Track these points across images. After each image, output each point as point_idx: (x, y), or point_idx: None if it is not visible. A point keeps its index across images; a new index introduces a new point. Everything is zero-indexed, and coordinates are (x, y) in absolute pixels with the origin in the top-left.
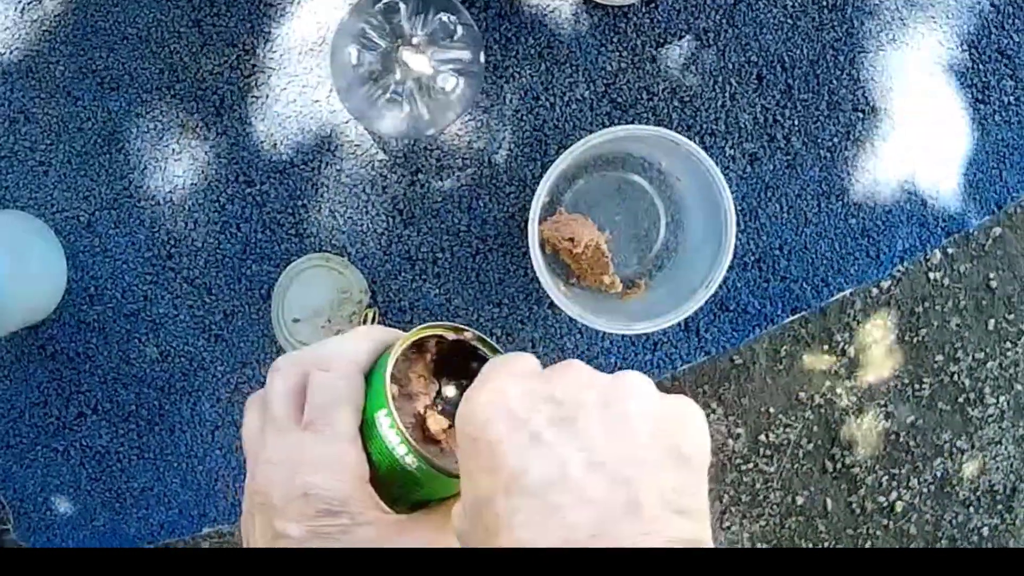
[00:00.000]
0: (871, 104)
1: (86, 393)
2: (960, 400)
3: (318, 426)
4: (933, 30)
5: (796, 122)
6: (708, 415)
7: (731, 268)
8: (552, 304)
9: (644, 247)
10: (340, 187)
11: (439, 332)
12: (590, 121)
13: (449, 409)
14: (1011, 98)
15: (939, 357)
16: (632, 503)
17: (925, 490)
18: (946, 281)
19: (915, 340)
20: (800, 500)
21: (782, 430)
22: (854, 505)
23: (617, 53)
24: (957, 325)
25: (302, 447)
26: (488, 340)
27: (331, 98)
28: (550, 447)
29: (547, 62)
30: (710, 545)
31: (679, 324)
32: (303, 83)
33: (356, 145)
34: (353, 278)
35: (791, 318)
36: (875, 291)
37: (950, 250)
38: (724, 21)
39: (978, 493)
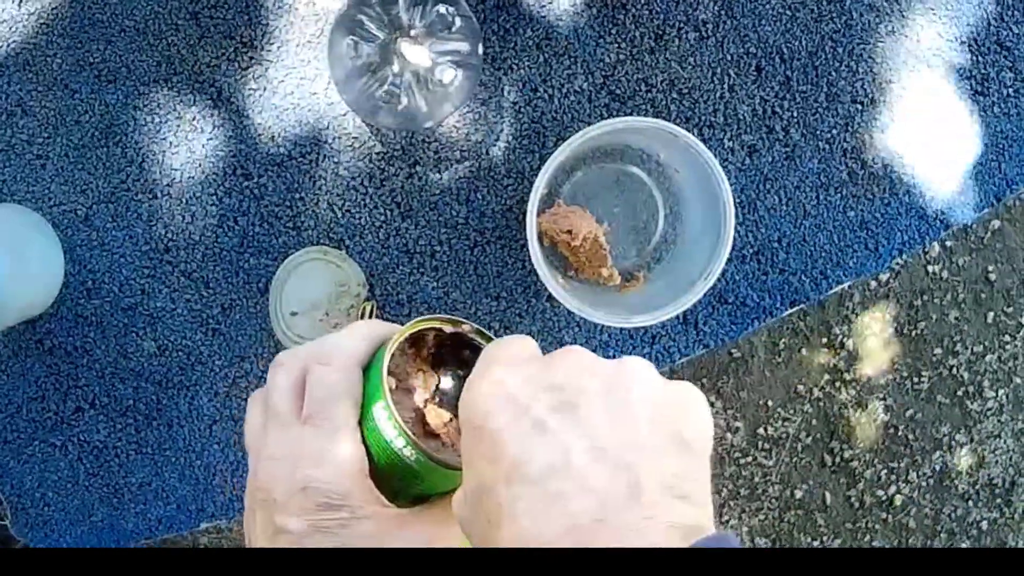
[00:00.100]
0: (870, 96)
1: (84, 388)
2: (959, 393)
3: (317, 420)
4: (932, 22)
5: (795, 114)
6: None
7: (730, 261)
8: (550, 297)
9: (643, 239)
10: (338, 180)
11: (437, 325)
12: (588, 113)
13: (448, 402)
14: (1010, 90)
15: (938, 350)
16: (634, 489)
17: (924, 484)
18: (945, 274)
19: (914, 333)
20: (799, 494)
21: (781, 423)
22: (853, 499)
23: (616, 45)
24: (956, 318)
25: (302, 442)
26: (486, 332)
27: (329, 90)
28: (552, 434)
29: (545, 54)
30: (712, 531)
31: (677, 317)
32: (301, 75)
33: (354, 138)
34: (351, 271)
35: (790, 311)
36: (874, 284)
37: (949, 243)
38: (723, 12)
39: (977, 487)
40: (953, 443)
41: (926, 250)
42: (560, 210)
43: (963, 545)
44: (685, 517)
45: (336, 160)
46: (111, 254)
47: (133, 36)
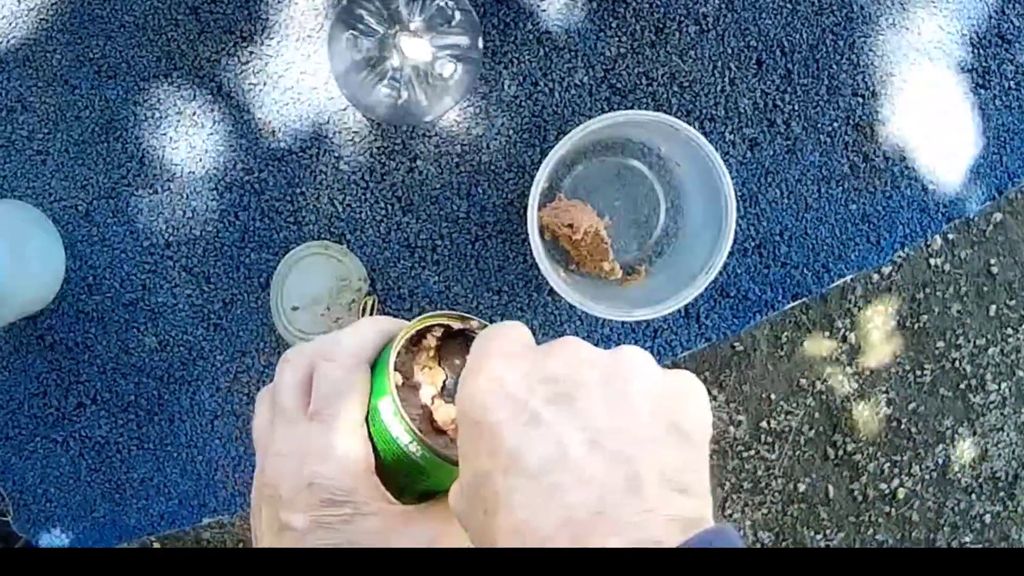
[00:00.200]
0: (871, 89)
1: (85, 383)
2: (962, 386)
3: (323, 416)
4: (933, 14)
5: (796, 107)
6: (709, 402)
7: (731, 254)
8: (552, 291)
9: (644, 233)
10: (338, 174)
11: (443, 321)
12: (589, 107)
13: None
14: (1011, 83)
15: (940, 343)
16: (632, 482)
17: (927, 477)
18: (947, 267)
19: (916, 326)
20: (802, 487)
21: (783, 417)
22: (856, 492)
23: (616, 38)
24: (958, 311)
25: (308, 438)
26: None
27: (329, 85)
28: (549, 427)
29: (546, 47)
30: (711, 523)
31: (679, 310)
32: (301, 70)
33: (354, 132)
34: (352, 266)
35: (792, 304)
36: (876, 277)
37: (951, 236)
38: (723, 6)
39: (980, 480)
40: (956, 436)
41: (928, 243)
42: (561, 204)
43: (966, 539)
44: (684, 509)
45: (337, 155)
46: (112, 249)
47: (133, 31)
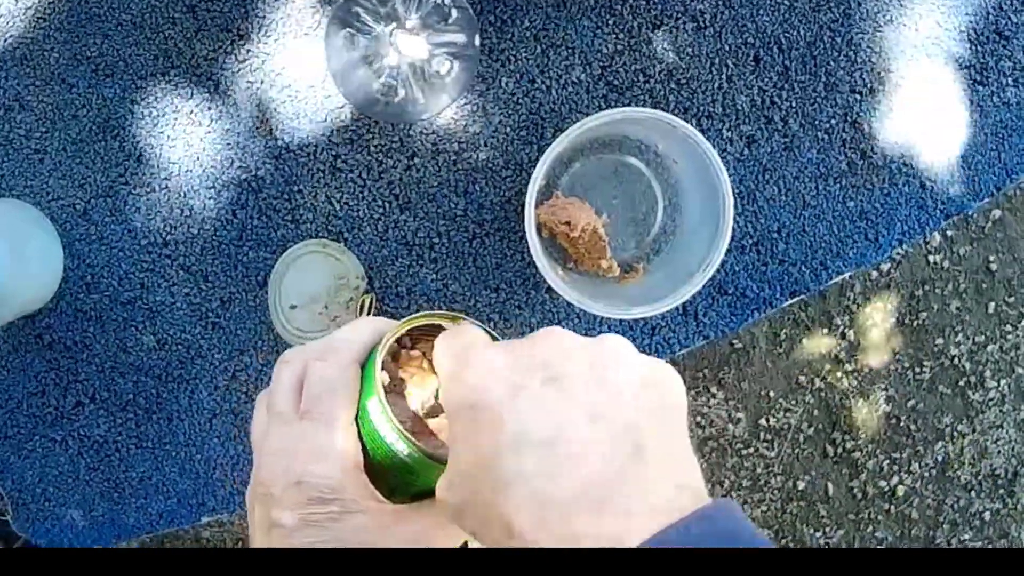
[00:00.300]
0: (869, 86)
1: (84, 382)
2: (961, 384)
3: (313, 415)
4: (931, 11)
5: (793, 104)
6: (708, 400)
7: (729, 251)
8: (549, 289)
9: (642, 231)
10: (336, 172)
11: (435, 321)
12: (586, 104)
13: None
14: (1009, 79)
15: (939, 340)
16: (639, 451)
17: (926, 474)
18: (946, 264)
19: (915, 323)
20: (801, 485)
21: (783, 414)
22: (855, 490)
23: (613, 35)
24: (957, 308)
25: (298, 437)
26: (486, 328)
27: (326, 83)
28: (549, 403)
29: (543, 45)
30: (705, 494)
31: (677, 308)
32: (298, 68)
33: (351, 130)
34: (350, 264)
35: (790, 302)
36: (875, 274)
37: (950, 233)
38: (720, 2)
39: (979, 477)
40: (955, 433)
41: (927, 240)
42: (559, 201)
43: (966, 536)
44: (686, 477)
45: (334, 153)
46: (110, 248)
47: (130, 30)
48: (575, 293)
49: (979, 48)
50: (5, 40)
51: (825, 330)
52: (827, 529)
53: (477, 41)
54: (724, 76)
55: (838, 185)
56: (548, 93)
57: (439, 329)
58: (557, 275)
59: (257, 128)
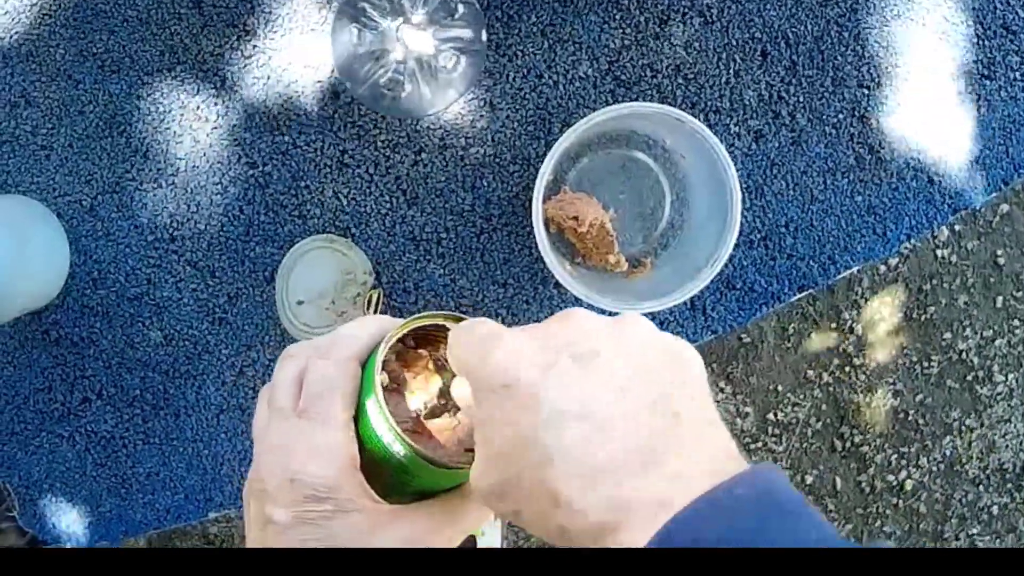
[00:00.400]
0: (876, 80)
1: (90, 378)
2: (969, 378)
3: (310, 413)
4: (938, 5)
5: (801, 98)
6: (716, 394)
7: (737, 246)
8: (557, 284)
9: (649, 225)
10: (343, 168)
11: (439, 321)
12: (594, 99)
13: (448, 398)
14: (1017, 74)
15: (947, 335)
16: (674, 417)
17: (934, 468)
18: (954, 258)
19: (923, 318)
20: (809, 479)
21: (791, 409)
22: (863, 484)
23: (620, 30)
24: (965, 303)
25: (295, 434)
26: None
27: (332, 78)
28: (583, 377)
29: (550, 40)
30: (743, 460)
31: (685, 303)
32: (304, 63)
33: (358, 125)
34: (357, 259)
35: (798, 296)
36: (883, 268)
37: (957, 227)
38: None
39: (987, 472)
40: (963, 428)
41: (935, 234)
42: (566, 196)
43: (974, 530)
44: (722, 440)
45: (341, 148)
46: (116, 244)
47: (136, 25)
48: (583, 288)
49: (986, 43)
50: (11, 36)
51: (833, 325)
52: (835, 523)
53: (484, 36)
54: (731, 71)
55: (846, 180)
56: (555, 88)
57: (442, 330)
58: (565, 270)
59: (263, 124)
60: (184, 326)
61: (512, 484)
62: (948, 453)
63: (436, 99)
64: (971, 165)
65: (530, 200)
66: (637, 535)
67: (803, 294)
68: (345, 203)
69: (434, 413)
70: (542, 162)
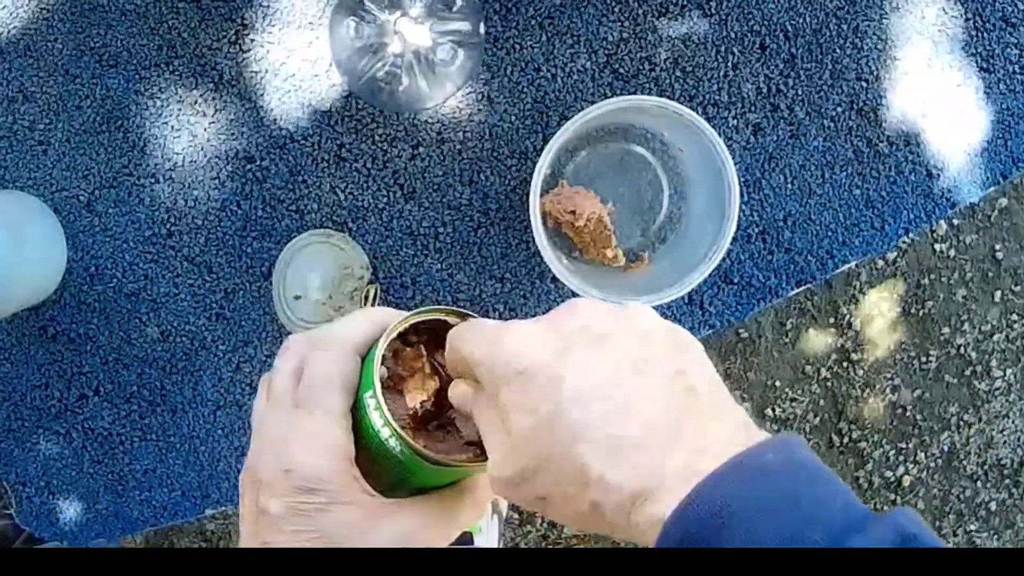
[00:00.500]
0: (875, 73)
1: (87, 375)
2: (967, 373)
3: (308, 405)
4: None
5: (799, 92)
6: None
7: (735, 240)
8: (555, 278)
9: (647, 219)
10: (340, 162)
11: (441, 317)
12: (592, 92)
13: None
14: (1016, 67)
15: (945, 329)
16: (691, 392)
17: (932, 464)
18: (952, 253)
19: (921, 312)
20: None
21: (788, 404)
22: (861, 480)
23: (619, 23)
24: (963, 297)
25: (291, 425)
26: None
27: (330, 72)
28: (600, 358)
29: (548, 33)
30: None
31: (683, 297)
32: (302, 57)
33: (356, 119)
34: (354, 254)
35: (796, 291)
36: (881, 263)
37: (956, 221)
38: None
39: (986, 467)
40: (961, 423)
41: (933, 229)
42: (564, 191)
43: (972, 526)
44: (740, 415)
45: (339, 142)
46: (114, 240)
47: (134, 20)
48: (580, 282)
49: (985, 35)
50: (9, 31)
51: (831, 319)
52: None
53: (482, 29)
54: (730, 64)
55: (844, 173)
56: (553, 81)
57: (444, 325)
58: (562, 264)
59: (261, 118)
60: (181, 322)
61: (538, 467)
62: (946, 449)
63: (434, 93)
64: (970, 159)
65: (527, 194)
66: (670, 501)
67: (801, 288)
68: (342, 198)
69: (432, 411)
70: (540, 156)
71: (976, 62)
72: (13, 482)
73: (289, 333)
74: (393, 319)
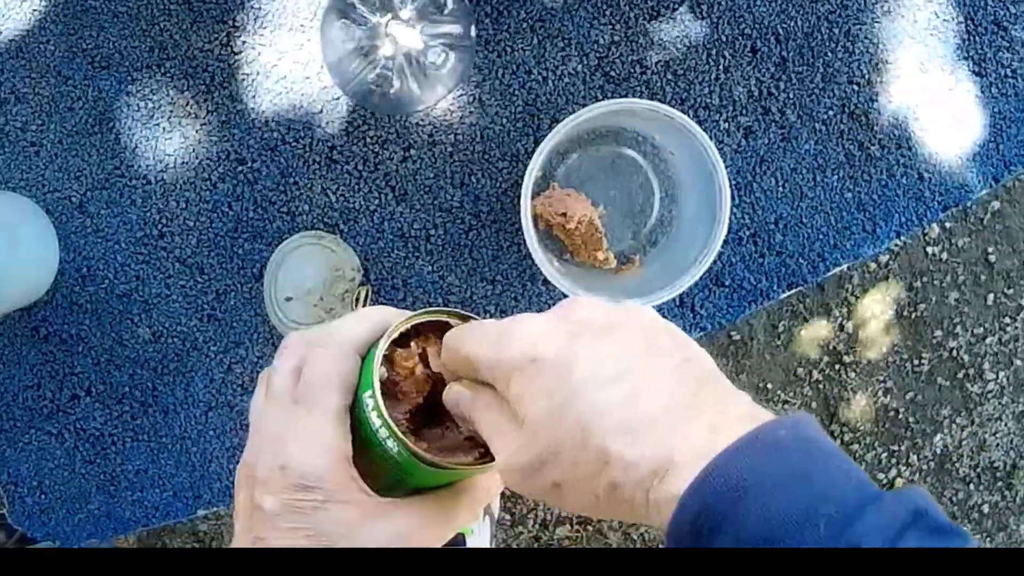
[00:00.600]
0: (866, 77)
1: (79, 375)
2: (959, 376)
3: (306, 403)
4: (929, 1)
5: (791, 95)
6: None
7: (726, 243)
8: (546, 281)
9: (638, 222)
10: (332, 164)
11: (443, 318)
12: (583, 95)
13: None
14: (1007, 70)
15: (938, 332)
16: (701, 377)
17: (925, 467)
18: (944, 256)
19: (913, 315)
20: None
21: (781, 407)
22: None
23: (610, 26)
24: (956, 300)
25: (289, 423)
26: None
27: (322, 74)
28: (609, 347)
29: (539, 35)
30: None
31: (674, 300)
32: (294, 60)
33: (347, 122)
34: (345, 256)
35: (787, 293)
36: (873, 266)
37: (948, 224)
38: None
39: (978, 470)
40: (954, 426)
41: (925, 232)
42: (555, 193)
43: (964, 529)
44: (744, 399)
45: (330, 144)
46: (105, 241)
47: (126, 22)
48: (571, 285)
49: (977, 39)
50: (1, 33)
51: (823, 322)
52: None
53: (473, 32)
54: (721, 67)
55: (836, 176)
56: (544, 84)
57: (446, 326)
58: (553, 267)
59: (253, 120)
60: (173, 323)
61: (555, 452)
62: (939, 451)
63: (425, 95)
64: (961, 162)
65: (519, 197)
66: (688, 476)
67: (792, 291)
68: (334, 199)
69: (430, 413)
70: (531, 158)
71: (968, 65)
72: (5, 482)
73: (281, 335)
74: (394, 319)
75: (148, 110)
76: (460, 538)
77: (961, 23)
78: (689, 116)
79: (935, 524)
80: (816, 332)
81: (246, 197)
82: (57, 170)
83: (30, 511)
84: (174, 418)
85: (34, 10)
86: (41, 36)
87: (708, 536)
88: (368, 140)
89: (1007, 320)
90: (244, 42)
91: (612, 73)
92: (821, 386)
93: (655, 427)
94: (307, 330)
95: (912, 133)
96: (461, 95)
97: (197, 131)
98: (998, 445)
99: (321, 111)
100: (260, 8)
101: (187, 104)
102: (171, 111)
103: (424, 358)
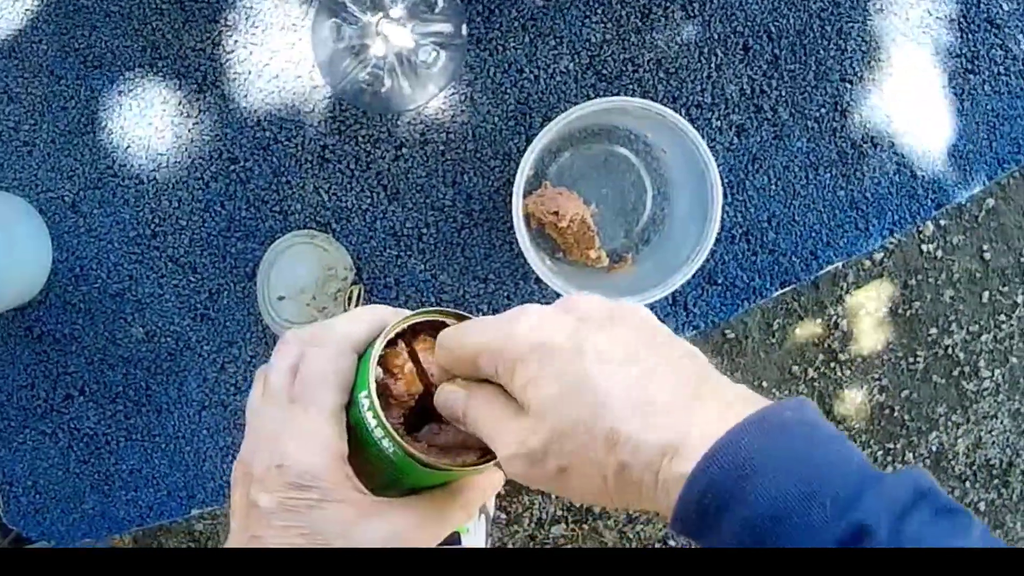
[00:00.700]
0: (859, 74)
1: (73, 375)
2: (955, 374)
3: (303, 402)
4: None
5: (783, 93)
6: None
7: (718, 241)
8: (538, 279)
9: (630, 221)
10: (324, 163)
11: (440, 318)
12: (575, 93)
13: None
14: (1000, 68)
15: (933, 330)
16: (704, 369)
17: (921, 464)
18: (939, 253)
19: (908, 313)
20: None
21: None
22: None
23: (602, 24)
24: (951, 298)
25: (285, 421)
26: None
27: (313, 73)
28: (612, 337)
29: (531, 34)
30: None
31: (667, 298)
32: (285, 59)
33: (339, 121)
34: (338, 255)
35: (780, 291)
36: (868, 263)
37: (943, 222)
38: None
39: (974, 468)
40: (949, 424)
41: (920, 229)
42: (547, 192)
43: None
44: (740, 388)
45: (322, 143)
46: (98, 240)
47: (118, 21)
48: (564, 283)
49: (970, 36)
50: None
51: (818, 320)
52: None
53: (464, 30)
54: (713, 65)
55: (828, 174)
56: (536, 83)
57: (443, 326)
58: (545, 265)
59: (245, 119)
60: (166, 322)
61: (563, 435)
62: (934, 449)
63: (416, 94)
64: (955, 160)
65: (511, 195)
66: (696, 457)
67: (785, 289)
68: (326, 199)
69: (426, 413)
70: (523, 157)
71: (961, 63)
72: (0, 482)
73: (274, 334)
74: (390, 319)
75: (140, 109)
76: (455, 537)
77: (953, 21)
78: (681, 114)
79: (939, 504)
80: (811, 330)
81: (238, 196)
82: (50, 170)
83: (25, 511)
84: (168, 417)
85: (26, 10)
86: (33, 35)
87: (715, 514)
88: (360, 139)
89: (1002, 318)
90: (236, 41)
91: (604, 71)
92: (816, 384)
93: (665, 409)
94: (305, 329)
95: (905, 131)
96: (453, 94)
97: (189, 130)
98: (994, 443)
99: (313, 110)
100: (252, 7)
101: (179, 103)
102: (163, 110)
103: (420, 358)
